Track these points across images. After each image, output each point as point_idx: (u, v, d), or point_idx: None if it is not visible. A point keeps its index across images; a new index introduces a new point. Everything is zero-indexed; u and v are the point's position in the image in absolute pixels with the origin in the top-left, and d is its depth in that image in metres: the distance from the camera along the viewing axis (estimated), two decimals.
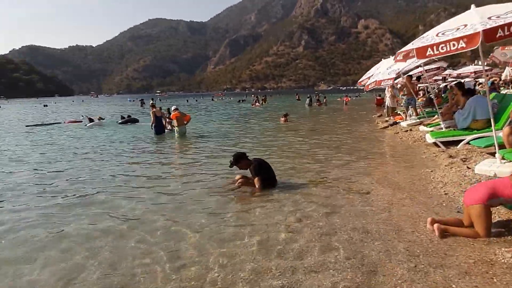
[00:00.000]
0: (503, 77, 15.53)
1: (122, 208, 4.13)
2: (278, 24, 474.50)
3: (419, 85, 15.85)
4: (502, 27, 3.53)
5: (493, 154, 4.66)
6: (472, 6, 4.51)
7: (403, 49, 4.84)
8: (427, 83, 13.26)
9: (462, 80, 14.44)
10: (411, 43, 4.85)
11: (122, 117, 17.30)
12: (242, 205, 4.10)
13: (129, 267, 2.70)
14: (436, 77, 16.76)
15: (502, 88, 13.54)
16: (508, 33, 3.53)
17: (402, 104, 11.84)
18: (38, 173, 6.25)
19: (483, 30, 3.57)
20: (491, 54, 13.77)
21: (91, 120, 15.86)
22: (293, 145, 8.45)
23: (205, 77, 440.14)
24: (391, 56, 9.93)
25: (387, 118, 12.37)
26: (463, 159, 5.15)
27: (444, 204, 3.64)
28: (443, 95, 13.84)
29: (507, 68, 14.53)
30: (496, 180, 2.93)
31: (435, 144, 6.59)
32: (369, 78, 11.10)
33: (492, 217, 2.93)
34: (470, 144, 5.89)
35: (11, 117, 25.80)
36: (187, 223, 3.54)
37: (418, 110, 10.44)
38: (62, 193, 4.86)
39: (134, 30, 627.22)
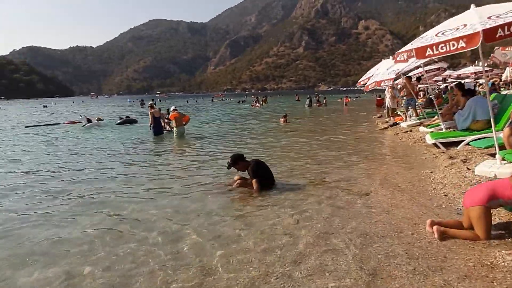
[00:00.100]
0: (503, 78, 15.49)
1: (119, 209, 4.10)
2: (278, 25, 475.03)
3: (419, 85, 15.82)
4: (502, 26, 3.49)
5: (493, 155, 4.62)
6: (472, 6, 4.48)
7: (402, 49, 4.81)
8: (427, 83, 13.22)
9: (463, 81, 14.40)
10: (410, 43, 4.81)
11: (121, 118, 17.29)
12: (240, 207, 4.06)
13: (128, 268, 2.68)
14: (436, 78, 16.72)
15: (502, 89, 13.50)
16: (508, 32, 3.49)
17: (402, 105, 11.80)
18: (35, 174, 6.22)
19: (483, 30, 3.53)
20: (491, 54, 13.72)
21: (89, 120, 15.85)
22: (292, 146, 8.42)
23: (205, 78, 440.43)
24: (391, 57, 9.89)
25: (387, 119, 12.34)
26: (463, 160, 5.11)
27: (443, 206, 3.60)
28: (443, 95, 13.80)
29: (507, 68, 14.49)
30: (496, 181, 2.89)
31: (435, 145, 6.55)
32: (369, 78, 11.07)
33: (492, 219, 2.90)
34: (470, 145, 5.84)
35: (11, 118, 25.78)
36: (183, 225, 3.51)
37: (418, 111, 10.40)
38: (58, 194, 4.83)
39: (134, 30, 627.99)
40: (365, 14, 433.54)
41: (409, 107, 10.43)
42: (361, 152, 7.13)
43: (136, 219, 3.76)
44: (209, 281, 2.43)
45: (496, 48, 12.65)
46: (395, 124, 10.70)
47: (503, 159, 4.21)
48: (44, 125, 17.56)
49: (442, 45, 3.93)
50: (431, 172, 4.88)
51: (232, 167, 4.71)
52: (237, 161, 4.68)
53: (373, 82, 9.79)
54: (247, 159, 4.81)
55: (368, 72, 12.28)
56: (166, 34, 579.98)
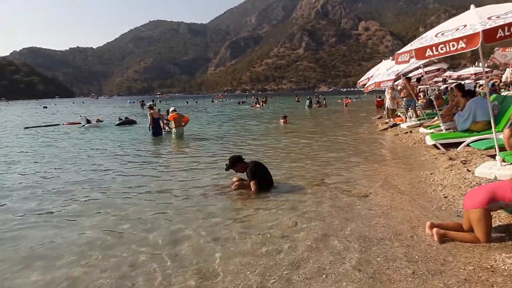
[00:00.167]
0: (503, 79, 15.46)
1: (116, 211, 4.07)
2: (278, 26, 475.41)
3: (419, 86, 15.80)
4: (502, 27, 3.47)
5: (493, 157, 4.59)
6: (472, 6, 4.45)
7: (402, 50, 4.78)
8: (427, 84, 13.20)
9: (463, 82, 14.37)
10: (410, 44, 4.79)
11: (120, 119, 17.31)
12: (238, 209, 4.03)
13: (125, 271, 2.65)
14: (436, 79, 16.70)
15: (502, 90, 13.48)
16: (508, 33, 3.47)
17: (402, 106, 11.77)
18: (33, 175, 6.20)
19: (483, 31, 3.51)
20: (491, 55, 13.70)
21: (88, 121, 15.85)
22: (291, 147, 8.39)
23: (205, 79, 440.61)
24: (390, 58, 9.87)
25: (387, 120, 12.30)
26: (463, 162, 5.07)
27: (443, 208, 3.57)
28: (443, 96, 13.78)
29: (507, 69, 14.46)
30: (496, 183, 2.86)
31: (435, 146, 6.52)
32: (368, 79, 11.04)
33: (493, 221, 2.86)
34: (470, 146, 5.81)
35: (11, 119, 25.78)
36: (181, 227, 3.48)
37: (418, 112, 10.37)
38: (56, 195, 4.81)
39: (135, 31, 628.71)
40: (365, 15, 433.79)
41: (409, 108, 10.40)
42: (360, 153, 7.10)
43: (134, 220, 3.73)
44: (207, 284, 2.40)
45: (496, 49, 12.63)
46: (395, 125, 10.67)
47: (503, 160, 4.17)
48: (43, 126, 17.55)
49: (442, 45, 3.91)
50: (431, 173, 4.85)
51: (231, 169, 4.68)
52: (236, 162, 4.65)
53: (373, 83, 9.77)
54: (245, 160, 4.78)
55: (368, 73, 12.26)
56: (166, 35, 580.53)
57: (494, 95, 7.05)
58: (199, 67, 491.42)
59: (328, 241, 2.95)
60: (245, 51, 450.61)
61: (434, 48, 3.97)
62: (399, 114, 12.31)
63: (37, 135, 13.34)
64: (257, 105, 32.29)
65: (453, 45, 3.76)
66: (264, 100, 38.13)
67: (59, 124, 18.13)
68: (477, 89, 15.04)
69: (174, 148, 9.48)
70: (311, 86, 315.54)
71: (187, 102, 53.60)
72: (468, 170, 4.56)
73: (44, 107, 49.66)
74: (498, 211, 3.00)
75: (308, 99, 28.09)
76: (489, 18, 3.76)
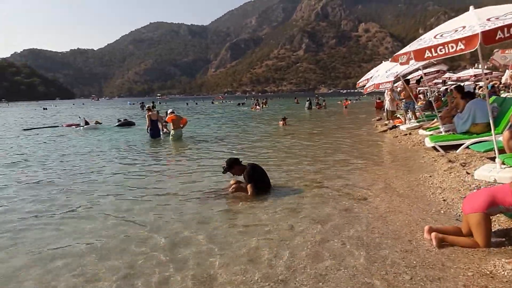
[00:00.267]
0: (503, 81, 15.42)
1: (112, 213, 4.03)
2: (278, 28, 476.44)
3: (419, 88, 15.77)
4: (501, 28, 3.43)
5: (493, 159, 4.54)
6: (471, 7, 4.42)
7: (401, 52, 4.74)
8: (426, 86, 13.16)
9: (462, 84, 14.33)
10: (408, 46, 4.75)
11: (119, 120, 17.30)
12: (234, 212, 3.99)
13: (123, 273, 2.63)
14: (436, 80, 16.67)
15: (502, 92, 13.44)
16: (508, 35, 3.43)
17: (401, 108, 11.74)
18: (30, 177, 6.15)
19: (482, 32, 3.48)
20: (491, 57, 13.67)
21: (87, 123, 15.83)
22: (290, 149, 8.34)
23: (206, 80, 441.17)
24: (390, 59, 9.83)
25: (386, 122, 12.26)
26: (463, 164, 5.03)
27: (442, 211, 3.52)
28: (442, 98, 13.74)
29: (507, 71, 14.42)
30: (496, 187, 2.82)
31: (434, 148, 6.47)
32: (368, 80, 11.01)
33: (492, 225, 2.82)
34: (469, 148, 5.77)
35: (10, 120, 25.77)
36: (177, 231, 3.43)
37: (418, 113, 10.33)
38: (53, 197, 4.77)
39: (135, 33, 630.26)
40: (365, 16, 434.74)
41: (408, 110, 10.37)
42: (359, 156, 7.05)
43: (130, 223, 3.70)
44: None
45: (495, 50, 12.60)
46: (395, 127, 10.63)
47: (503, 163, 4.12)
48: (42, 127, 17.52)
49: (441, 47, 3.87)
50: (430, 176, 4.80)
51: (228, 172, 4.64)
52: (233, 165, 4.60)
53: (372, 85, 9.74)
54: (243, 163, 4.73)
55: (367, 74, 12.23)
56: (167, 37, 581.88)
57: (493, 97, 7.01)
58: (199, 68, 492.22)
59: (325, 245, 2.91)
60: (245, 53, 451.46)
61: (433, 49, 3.94)
62: (398, 116, 12.27)
63: (35, 137, 13.30)
64: (257, 107, 32.25)
65: (452, 47, 3.73)
66: (264, 101, 38.12)
67: (58, 126, 18.09)
68: (476, 90, 14.99)
69: (171, 150, 9.43)
70: (311, 87, 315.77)
71: (187, 104, 53.57)
72: (467, 172, 4.52)
73: (44, 109, 49.69)
74: (497, 215, 2.95)
75: (307, 100, 28.04)
76: (488, 20, 3.73)
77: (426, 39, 4.30)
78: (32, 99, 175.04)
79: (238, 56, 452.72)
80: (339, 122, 16.09)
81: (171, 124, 10.57)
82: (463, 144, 5.95)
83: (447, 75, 15.89)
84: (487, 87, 8.08)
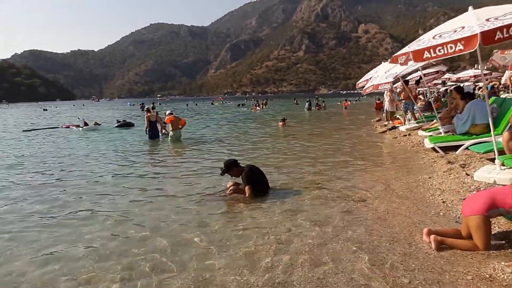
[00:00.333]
0: (502, 81, 15.40)
1: (110, 214, 3.99)
2: (278, 29, 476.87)
3: (418, 89, 15.74)
4: (500, 29, 3.41)
5: (492, 160, 4.51)
6: (470, 8, 4.40)
7: (399, 52, 4.71)
8: (426, 87, 13.14)
9: (462, 84, 14.31)
10: (407, 46, 4.73)
11: (118, 121, 17.30)
12: (232, 214, 3.95)
13: (120, 275, 2.60)
14: (435, 81, 16.65)
15: (501, 92, 13.41)
16: (507, 35, 3.41)
17: (401, 108, 11.71)
18: (27, 179, 6.12)
19: (481, 32, 3.45)
20: (490, 58, 13.65)
21: (86, 124, 15.80)
22: (289, 150, 8.31)
23: (206, 81, 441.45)
24: (389, 60, 9.80)
25: (386, 123, 12.24)
26: (462, 165, 5.00)
27: (441, 213, 3.49)
28: (442, 99, 13.72)
29: (506, 72, 14.40)
30: (496, 189, 2.78)
31: (433, 149, 6.44)
32: (367, 81, 10.98)
33: (492, 227, 2.78)
34: (469, 149, 5.73)
35: (9, 122, 25.76)
36: (172, 233, 3.40)
37: (417, 114, 10.30)
38: (49, 199, 4.74)
39: (135, 34, 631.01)
40: (365, 17, 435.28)
41: (408, 111, 10.34)
42: (358, 157, 7.02)
43: (127, 225, 3.67)
44: None
45: (495, 51, 12.59)
46: (394, 127, 10.60)
47: (502, 164, 4.09)
48: (42, 128, 17.49)
49: (440, 47, 3.85)
50: (429, 177, 4.77)
51: (226, 173, 4.61)
52: (231, 167, 4.57)
53: (371, 85, 9.71)
54: (241, 164, 4.70)
55: (366, 75, 12.21)
56: (167, 38, 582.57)
57: (493, 98, 6.99)
58: (199, 69, 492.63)
59: (323, 248, 2.87)
60: (245, 54, 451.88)
61: (431, 50, 3.92)
62: (398, 116, 12.24)
63: (34, 138, 13.28)
64: (257, 108, 32.25)
65: (451, 47, 3.70)
66: (264, 102, 38.14)
67: (57, 127, 18.07)
68: (476, 91, 14.96)
69: (170, 151, 9.40)
70: (311, 88, 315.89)
71: (187, 105, 53.53)
72: (467, 174, 4.49)
73: (44, 110, 49.69)
74: (497, 217, 2.92)
75: (307, 101, 28.02)
76: (487, 20, 3.70)
77: (425, 40, 4.28)
78: (32, 100, 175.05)
79: (238, 57, 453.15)
80: (339, 123, 16.06)
81: (170, 125, 10.55)
82: (462, 145, 5.92)
83: (446, 75, 15.86)
84: (487, 88, 8.05)
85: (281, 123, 14.43)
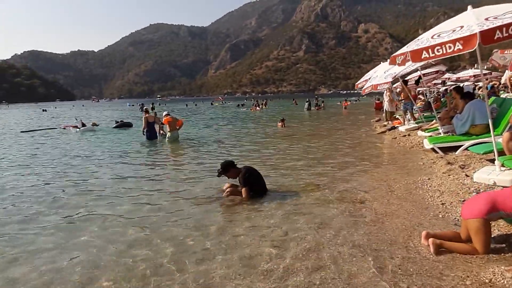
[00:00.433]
0: (502, 81, 15.33)
1: (106, 216, 3.95)
2: (278, 29, 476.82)
3: (418, 89, 15.68)
4: (500, 28, 3.36)
5: (492, 161, 4.45)
6: (469, 7, 4.34)
7: (397, 52, 4.67)
8: (425, 87, 13.08)
9: (462, 84, 14.26)
10: (406, 46, 4.68)
11: (116, 122, 17.27)
12: (228, 217, 3.90)
13: (103, 281, 2.55)
14: (435, 81, 16.59)
15: (501, 92, 13.34)
16: (506, 34, 3.35)
17: (401, 108, 11.65)
18: (23, 180, 6.08)
19: (480, 32, 3.40)
20: (490, 57, 13.58)
21: (83, 124, 15.75)
22: (288, 151, 8.26)
23: (206, 81, 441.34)
24: (388, 60, 9.76)
25: (385, 123, 12.18)
26: (462, 166, 4.94)
27: (440, 216, 3.44)
28: (442, 99, 13.66)
29: (506, 71, 14.34)
30: (496, 191, 2.73)
31: (433, 149, 6.39)
32: (366, 81, 10.93)
33: (491, 230, 2.73)
34: (468, 150, 5.68)
35: (8, 123, 25.71)
36: (168, 236, 3.35)
37: (416, 114, 10.25)
38: (44, 200, 4.69)
39: (135, 35, 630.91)
40: (364, 17, 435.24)
41: (407, 111, 10.29)
42: (358, 158, 6.97)
43: (120, 227, 3.62)
44: None
45: (494, 51, 12.52)
46: (393, 128, 10.55)
47: (502, 165, 4.04)
48: (40, 129, 17.44)
49: (438, 47, 3.80)
50: (429, 178, 4.72)
51: (223, 175, 4.56)
52: (228, 168, 4.52)
53: (370, 86, 9.66)
54: (238, 166, 4.65)
55: (366, 75, 12.16)
56: (167, 38, 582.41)
57: (493, 98, 6.93)
58: (199, 69, 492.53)
59: (319, 251, 2.82)
60: (245, 54, 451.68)
61: (430, 50, 3.87)
62: (397, 116, 12.19)
63: (32, 139, 13.23)
64: (257, 108, 32.21)
65: (450, 47, 3.65)
66: (264, 102, 38.12)
67: (56, 128, 18.01)
68: (476, 91, 14.91)
69: (167, 152, 9.35)
70: (311, 88, 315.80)
71: (186, 105, 53.47)
72: (466, 175, 4.44)
73: (43, 110, 49.62)
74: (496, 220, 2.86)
75: (307, 101, 27.97)
76: (486, 19, 3.65)
77: (424, 40, 4.23)
78: (32, 100, 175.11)
79: (238, 57, 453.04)
80: (338, 123, 16.01)
81: (167, 126, 10.52)
82: (462, 145, 5.87)
83: (446, 75, 15.79)
84: (487, 88, 8.00)
85: (280, 124, 14.38)
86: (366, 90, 10.05)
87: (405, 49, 4.48)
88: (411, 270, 2.43)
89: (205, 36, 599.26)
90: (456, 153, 5.84)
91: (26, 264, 2.92)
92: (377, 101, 23.06)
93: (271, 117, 21.60)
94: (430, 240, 2.68)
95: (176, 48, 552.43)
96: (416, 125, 9.50)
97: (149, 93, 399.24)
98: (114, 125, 16.60)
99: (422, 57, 4.00)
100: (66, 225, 3.83)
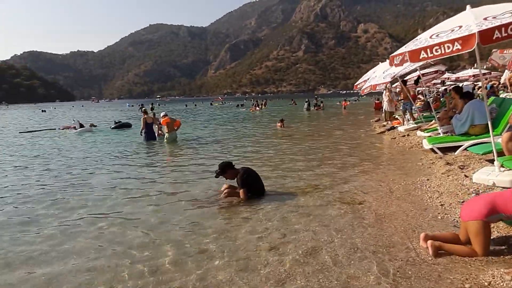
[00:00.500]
0: (502, 80, 15.31)
1: (99, 220, 3.91)
2: (278, 29, 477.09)
3: (418, 89, 15.66)
4: (499, 28, 3.33)
5: (492, 161, 4.42)
6: (468, 6, 4.32)
7: (396, 52, 4.64)
8: (424, 87, 13.06)
9: (461, 84, 14.23)
10: (404, 46, 4.65)
11: (115, 122, 17.23)
12: (226, 218, 3.87)
13: (102, 282, 2.53)
14: (435, 81, 16.57)
15: (501, 92, 13.32)
16: (505, 34, 3.33)
17: (400, 108, 11.63)
18: (20, 181, 6.04)
19: (479, 32, 3.37)
20: (489, 57, 13.56)
21: (81, 125, 15.71)
22: (286, 152, 8.23)
23: (205, 81, 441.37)
24: (387, 60, 9.74)
25: (384, 123, 12.16)
26: (461, 167, 4.92)
27: (439, 217, 3.41)
28: (441, 99, 13.64)
29: (506, 71, 14.32)
30: (496, 193, 2.70)
31: (432, 150, 6.36)
32: (365, 81, 10.91)
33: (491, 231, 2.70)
34: (468, 150, 5.65)
35: (8, 123, 25.66)
36: (165, 238, 3.32)
37: (416, 115, 10.22)
38: (40, 201, 4.66)
39: (135, 35, 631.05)
40: (364, 17, 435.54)
41: (406, 111, 10.26)
42: (356, 158, 6.94)
43: (115, 230, 3.59)
44: None
45: (494, 50, 12.50)
46: (393, 128, 10.53)
47: (501, 166, 4.01)
48: (39, 130, 17.40)
49: (437, 47, 3.77)
50: (427, 179, 4.69)
51: (221, 176, 4.53)
52: (226, 169, 4.49)
53: (369, 86, 9.64)
54: (236, 167, 4.62)
55: (364, 75, 12.13)
56: (166, 38, 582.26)
57: (492, 98, 6.90)
58: (199, 69, 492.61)
59: (317, 254, 2.79)
60: (244, 54, 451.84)
61: (428, 50, 3.84)
62: (397, 116, 12.17)
63: (30, 140, 13.19)
64: (257, 108, 32.18)
65: (448, 47, 3.63)
66: (264, 102, 38.10)
67: (54, 129, 17.97)
68: (476, 91, 14.88)
69: (165, 153, 9.31)
70: (310, 88, 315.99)
71: (186, 105, 53.46)
72: (465, 176, 4.41)
73: (42, 111, 49.58)
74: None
75: (306, 102, 27.95)
76: (485, 19, 3.62)
77: (422, 39, 4.20)
78: (32, 101, 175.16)
79: (237, 57, 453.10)
80: (338, 123, 15.98)
81: (166, 127, 10.49)
82: (461, 146, 5.84)
83: (446, 75, 15.78)
84: (486, 87, 7.98)
85: (279, 124, 14.35)
86: (365, 91, 10.03)
87: (403, 49, 4.46)
88: (410, 273, 2.40)
89: (205, 36, 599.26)
90: (455, 153, 5.81)
91: (25, 267, 2.89)
92: (376, 101, 23.04)
93: (270, 117, 21.57)
94: (429, 242, 2.65)
95: (176, 48, 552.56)
96: (415, 125, 9.48)
97: (149, 93, 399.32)
98: (113, 126, 16.55)
99: (420, 57, 3.97)
100: (64, 227, 3.79)
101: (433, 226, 3.21)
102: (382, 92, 12.55)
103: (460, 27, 3.75)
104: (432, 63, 9.28)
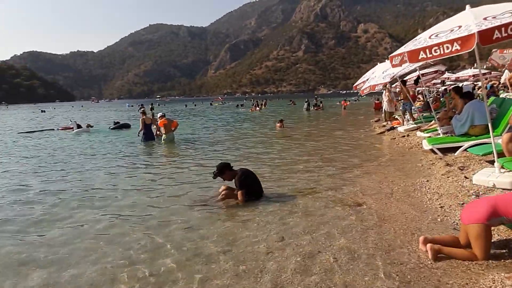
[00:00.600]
0: (502, 80, 15.27)
1: (97, 222, 3.88)
2: (278, 29, 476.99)
3: (418, 89, 15.62)
4: (498, 28, 3.29)
5: (492, 162, 4.39)
6: (467, 6, 4.28)
7: (395, 53, 4.60)
8: (424, 87, 13.02)
9: (461, 84, 14.20)
10: (403, 46, 4.61)
11: (114, 123, 17.19)
12: (223, 221, 3.83)
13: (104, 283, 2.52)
14: (434, 81, 16.53)
15: (501, 92, 13.28)
16: (505, 35, 3.29)
17: (400, 108, 11.59)
18: (19, 181, 6.01)
19: (478, 32, 3.34)
20: (489, 57, 13.52)
21: (79, 126, 15.67)
22: (285, 152, 8.19)
23: (205, 81, 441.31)
24: (386, 60, 9.70)
25: (384, 123, 12.12)
26: (461, 168, 4.88)
27: (439, 219, 3.37)
28: (441, 99, 13.59)
29: (506, 71, 14.28)
30: (497, 196, 2.66)
31: (432, 150, 6.32)
32: (364, 82, 10.87)
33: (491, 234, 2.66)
34: (468, 151, 5.61)
35: (7, 124, 25.63)
36: (162, 241, 3.29)
37: (416, 115, 10.18)
38: (32, 204, 4.62)
39: (135, 35, 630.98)
40: (364, 17, 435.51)
41: (406, 111, 10.22)
42: (356, 159, 6.90)
43: (113, 233, 3.55)
44: None
45: (493, 50, 12.46)
46: (392, 128, 10.49)
47: (502, 167, 3.97)
48: (37, 131, 17.36)
49: (436, 47, 3.73)
50: (427, 180, 4.65)
51: (218, 177, 4.49)
52: (223, 170, 4.45)
53: (368, 86, 9.60)
54: (234, 168, 4.58)
55: (364, 76, 12.10)
56: (166, 38, 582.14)
57: (492, 98, 6.87)
58: (199, 69, 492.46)
59: (315, 258, 2.75)
60: (244, 54, 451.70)
61: (427, 50, 3.80)
62: (396, 117, 12.13)
63: (30, 140, 13.15)
64: (256, 108, 32.14)
65: (448, 47, 3.59)
66: (264, 103, 38.07)
67: (53, 129, 17.93)
68: (475, 91, 14.85)
69: (163, 154, 9.28)
70: (310, 88, 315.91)
71: (185, 106, 53.40)
72: (465, 177, 4.37)
73: (42, 111, 49.53)
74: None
75: (306, 102, 27.91)
76: (484, 19, 3.58)
77: (421, 40, 4.16)
78: (31, 101, 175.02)
79: (237, 57, 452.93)
80: (337, 123, 15.95)
81: (163, 128, 10.47)
82: (461, 146, 5.80)
83: (446, 75, 15.74)
84: (486, 87, 7.94)
85: (279, 124, 14.30)
86: (364, 91, 9.98)
87: (402, 49, 4.42)
88: (409, 277, 2.36)
89: (205, 36, 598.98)
90: (455, 154, 5.77)
91: (24, 268, 2.86)
92: (376, 101, 22.99)
93: (270, 117, 21.53)
94: (428, 245, 2.61)
95: (176, 48, 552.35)
96: (415, 125, 9.44)
97: (149, 93, 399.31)
98: (112, 126, 16.51)
99: (420, 58, 3.93)
100: (63, 228, 3.76)
101: (433, 228, 3.17)
102: (382, 92, 12.51)
103: (460, 27, 3.71)
104: (432, 63, 9.24)
